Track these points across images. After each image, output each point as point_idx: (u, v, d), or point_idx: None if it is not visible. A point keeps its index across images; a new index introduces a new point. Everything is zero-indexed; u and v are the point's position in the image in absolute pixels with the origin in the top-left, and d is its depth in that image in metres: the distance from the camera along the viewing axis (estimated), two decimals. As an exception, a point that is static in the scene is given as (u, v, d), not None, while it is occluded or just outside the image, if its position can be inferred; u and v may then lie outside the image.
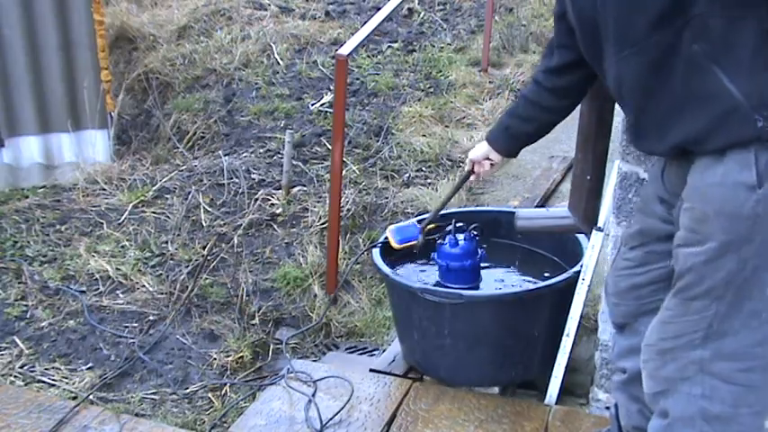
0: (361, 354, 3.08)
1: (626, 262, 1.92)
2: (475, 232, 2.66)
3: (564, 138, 4.31)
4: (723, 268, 1.55)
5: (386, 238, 2.76)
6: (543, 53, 2.10)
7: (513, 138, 2.20)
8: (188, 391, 2.78)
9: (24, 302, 3.28)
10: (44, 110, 4.61)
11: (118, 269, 3.46)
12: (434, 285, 2.63)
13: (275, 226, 3.80)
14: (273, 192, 4.04)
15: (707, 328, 1.62)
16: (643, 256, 1.87)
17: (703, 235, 1.56)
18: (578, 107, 2.37)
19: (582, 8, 1.73)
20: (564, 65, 1.96)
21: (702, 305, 1.61)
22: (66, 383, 2.80)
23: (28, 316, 3.20)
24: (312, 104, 5.05)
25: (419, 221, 2.79)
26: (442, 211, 2.71)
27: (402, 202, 4.04)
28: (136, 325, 3.15)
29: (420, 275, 2.76)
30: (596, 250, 2.42)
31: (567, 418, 2.43)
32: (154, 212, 3.91)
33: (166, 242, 3.66)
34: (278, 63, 5.56)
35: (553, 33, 1.99)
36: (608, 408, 2.34)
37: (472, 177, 2.42)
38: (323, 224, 3.72)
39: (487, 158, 2.29)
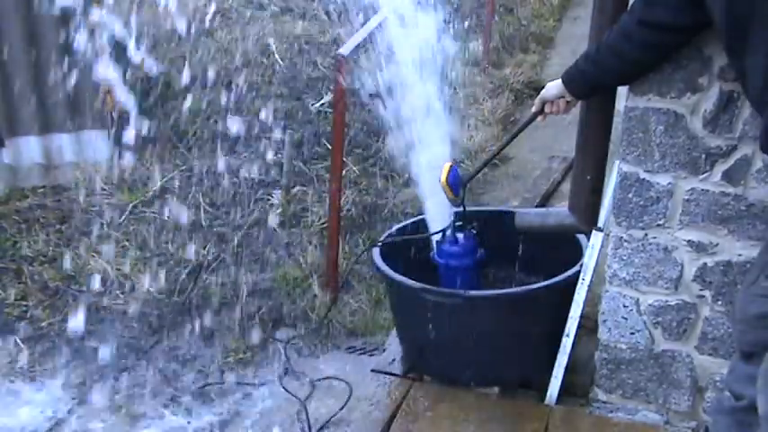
0: (361, 354, 3.08)
1: (762, 290, 1.79)
2: (474, 231, 2.65)
3: (564, 138, 4.31)
4: None
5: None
6: (637, 4, 1.92)
7: (588, 83, 2.17)
8: (188, 390, 2.78)
9: (24, 302, 3.28)
10: (44, 110, 4.60)
11: (118, 269, 3.45)
12: (434, 285, 2.63)
13: (275, 226, 3.80)
14: (273, 192, 4.03)
15: None
16: None
17: None
18: (578, 106, 2.39)
19: None
20: (664, 24, 1.85)
21: None
22: (66, 383, 2.80)
23: (28, 316, 3.20)
24: (312, 104, 5.04)
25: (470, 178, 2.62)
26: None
27: (402, 202, 4.04)
28: (136, 325, 3.15)
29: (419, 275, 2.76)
30: (596, 250, 2.42)
31: (567, 418, 2.43)
32: (154, 212, 3.91)
33: (166, 242, 3.66)
34: (278, 63, 5.56)
35: None
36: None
37: (539, 118, 2.39)
38: (323, 224, 3.71)
39: (562, 97, 2.27)
